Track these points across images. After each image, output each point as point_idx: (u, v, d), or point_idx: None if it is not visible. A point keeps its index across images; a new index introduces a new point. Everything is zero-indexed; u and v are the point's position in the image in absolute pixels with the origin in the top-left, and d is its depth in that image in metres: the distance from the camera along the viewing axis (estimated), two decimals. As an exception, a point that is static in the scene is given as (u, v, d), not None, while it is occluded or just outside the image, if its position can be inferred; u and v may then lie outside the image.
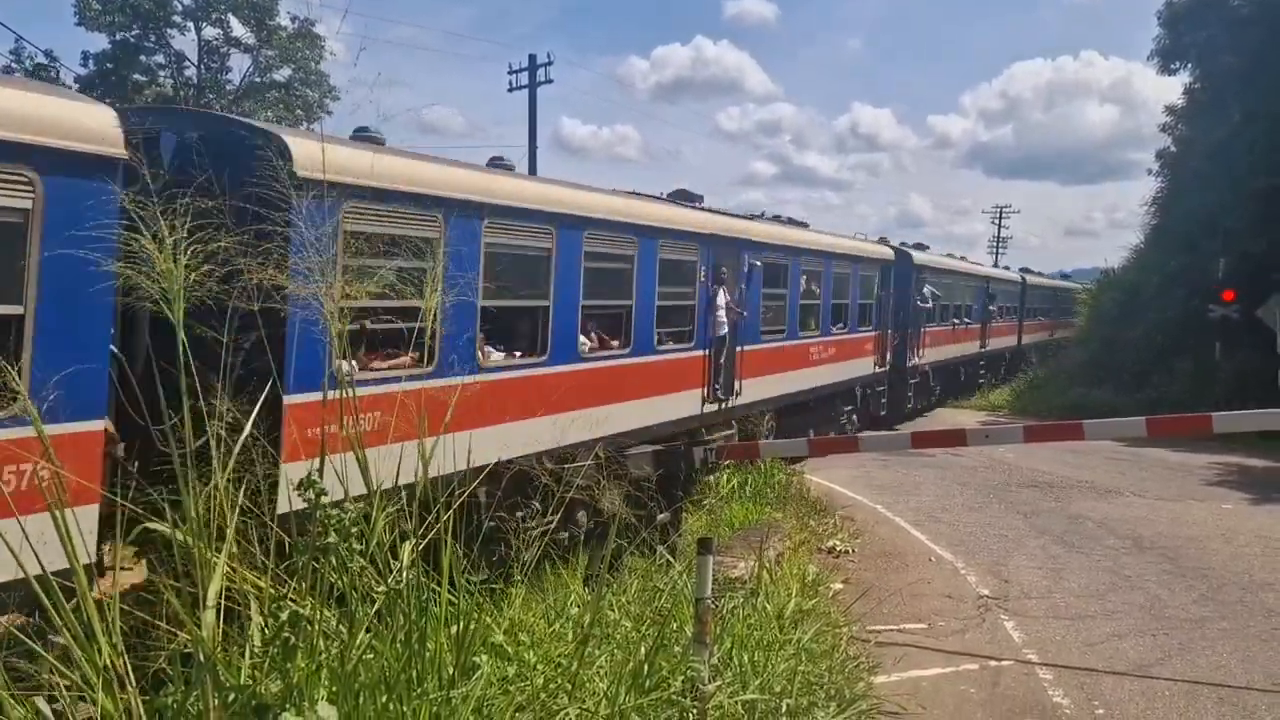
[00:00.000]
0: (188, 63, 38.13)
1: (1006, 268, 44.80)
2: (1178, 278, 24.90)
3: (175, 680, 3.36)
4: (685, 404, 11.51)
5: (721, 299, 12.10)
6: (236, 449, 3.55)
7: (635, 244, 10.25)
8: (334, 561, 3.44)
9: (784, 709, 5.33)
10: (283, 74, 39.24)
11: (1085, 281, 46.06)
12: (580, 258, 9.18)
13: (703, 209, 12.77)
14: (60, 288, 4.77)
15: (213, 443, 3.49)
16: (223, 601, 3.31)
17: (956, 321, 25.64)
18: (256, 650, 3.44)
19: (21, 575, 3.12)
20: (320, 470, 3.56)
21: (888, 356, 19.75)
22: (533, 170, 20.88)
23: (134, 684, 3.11)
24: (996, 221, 68.24)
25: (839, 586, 9.13)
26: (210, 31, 37.81)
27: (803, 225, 16.95)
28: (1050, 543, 11.24)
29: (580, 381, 9.19)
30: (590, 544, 8.15)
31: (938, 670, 7.21)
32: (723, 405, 12.40)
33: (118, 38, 36.51)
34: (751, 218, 15.16)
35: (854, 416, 18.48)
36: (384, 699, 3.58)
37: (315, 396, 5.87)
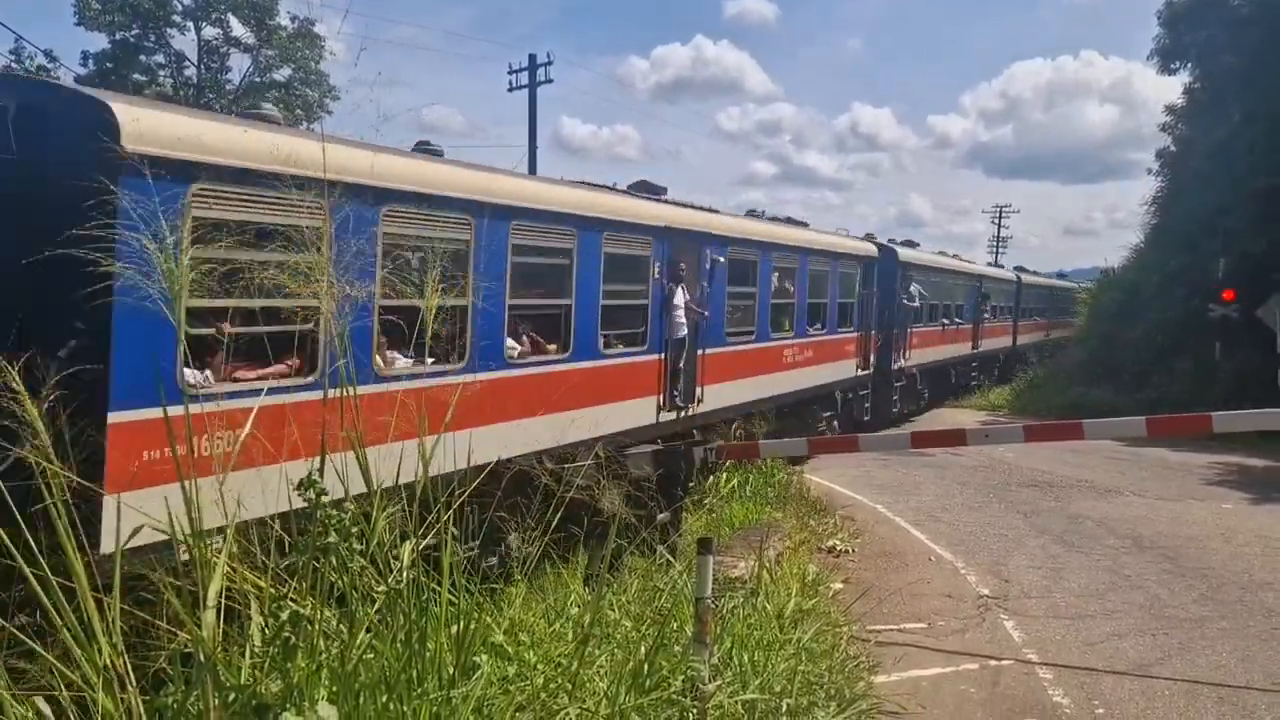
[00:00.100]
0: (187, 63, 38.22)
1: (1001, 266, 44.62)
2: (1178, 277, 24.91)
3: (175, 680, 3.36)
4: (637, 413, 10.54)
5: (680, 298, 11.24)
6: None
7: (574, 237, 9.23)
8: (334, 561, 3.43)
9: (784, 709, 5.33)
10: (283, 74, 39.31)
11: (1082, 281, 45.99)
12: (507, 250, 8.18)
13: (664, 200, 11.87)
14: None
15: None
16: (223, 601, 3.31)
17: (947, 322, 24.77)
18: (256, 650, 3.44)
19: None
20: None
21: (871, 359, 18.85)
22: (532, 171, 20.81)
23: (134, 684, 3.11)
24: (996, 221, 68.38)
25: (839, 586, 9.14)
26: (210, 31, 37.92)
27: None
28: (1050, 542, 11.24)
29: (507, 390, 8.23)
30: (590, 544, 8.01)
31: (938, 670, 7.21)
32: (682, 413, 11.50)
33: (117, 37, 36.56)
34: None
35: (834, 423, 17.54)
36: (384, 699, 3.58)
37: (150, 413, 5.14)
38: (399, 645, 3.75)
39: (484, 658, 4.05)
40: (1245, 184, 22.01)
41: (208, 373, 5.81)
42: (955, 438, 10.69)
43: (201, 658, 3.13)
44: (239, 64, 39.02)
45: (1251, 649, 7.76)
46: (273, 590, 3.51)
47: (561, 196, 9.25)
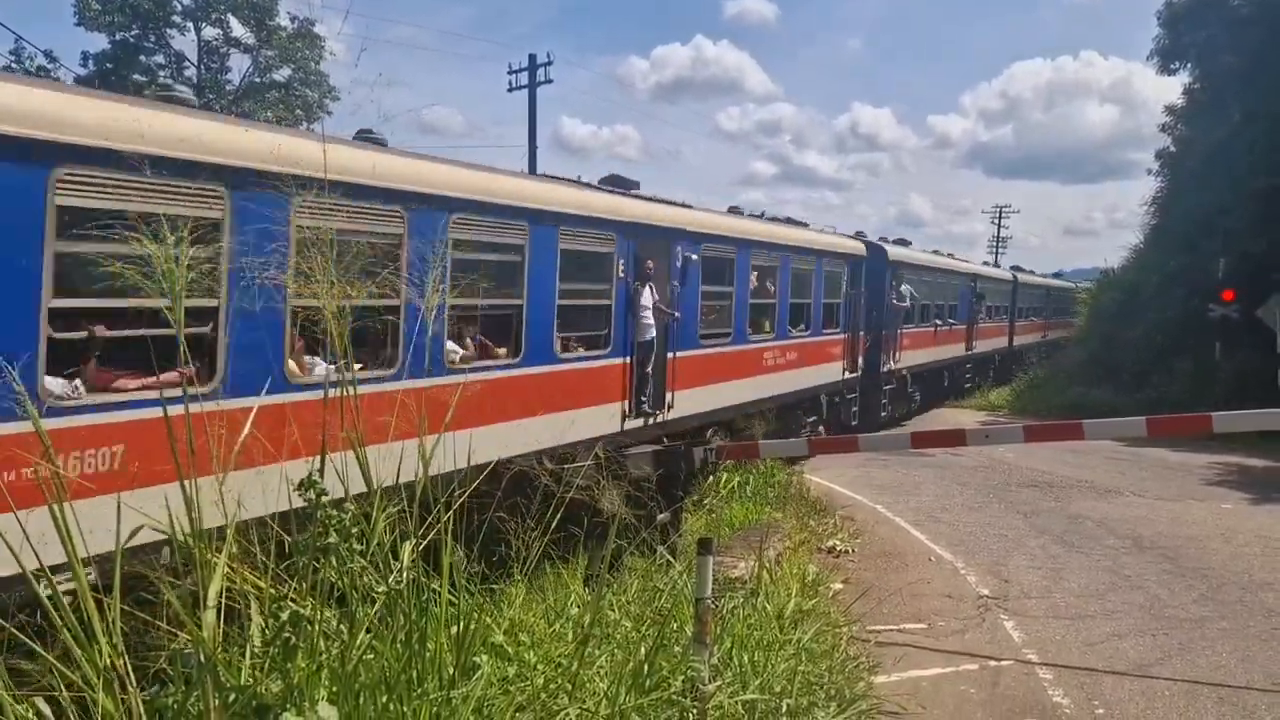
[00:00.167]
0: (187, 63, 38.19)
1: (997, 265, 44.43)
2: (1178, 278, 24.92)
3: (175, 680, 3.36)
4: (599, 421, 9.93)
5: (647, 298, 10.62)
6: None
7: (526, 232, 8.60)
8: (334, 562, 3.44)
9: (784, 709, 5.33)
10: (282, 74, 39.32)
11: (1080, 280, 45.94)
12: (446, 247, 7.48)
13: (632, 195, 11.28)
14: None
15: None
16: (223, 601, 3.31)
17: (940, 322, 24.17)
18: (256, 650, 3.44)
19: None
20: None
21: (859, 361, 18.34)
22: (532, 171, 20.75)
23: (134, 684, 3.11)
24: (996, 221, 68.47)
25: (839, 586, 9.14)
26: (210, 31, 37.92)
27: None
28: (1050, 542, 11.24)
29: (447, 398, 6.79)
30: (590, 544, 7.96)
31: (938, 670, 7.21)
32: (650, 420, 10.92)
33: (117, 38, 36.56)
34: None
35: (820, 428, 16.87)
36: (384, 699, 3.59)
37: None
38: (399, 646, 3.75)
39: (484, 658, 4.05)
40: (1245, 184, 22.03)
41: (78, 382, 5.32)
42: (955, 438, 10.68)
43: (201, 658, 3.13)
44: (239, 64, 39.13)
45: (1251, 649, 7.76)
46: (272, 590, 3.52)
47: (509, 188, 8.61)
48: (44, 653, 3.16)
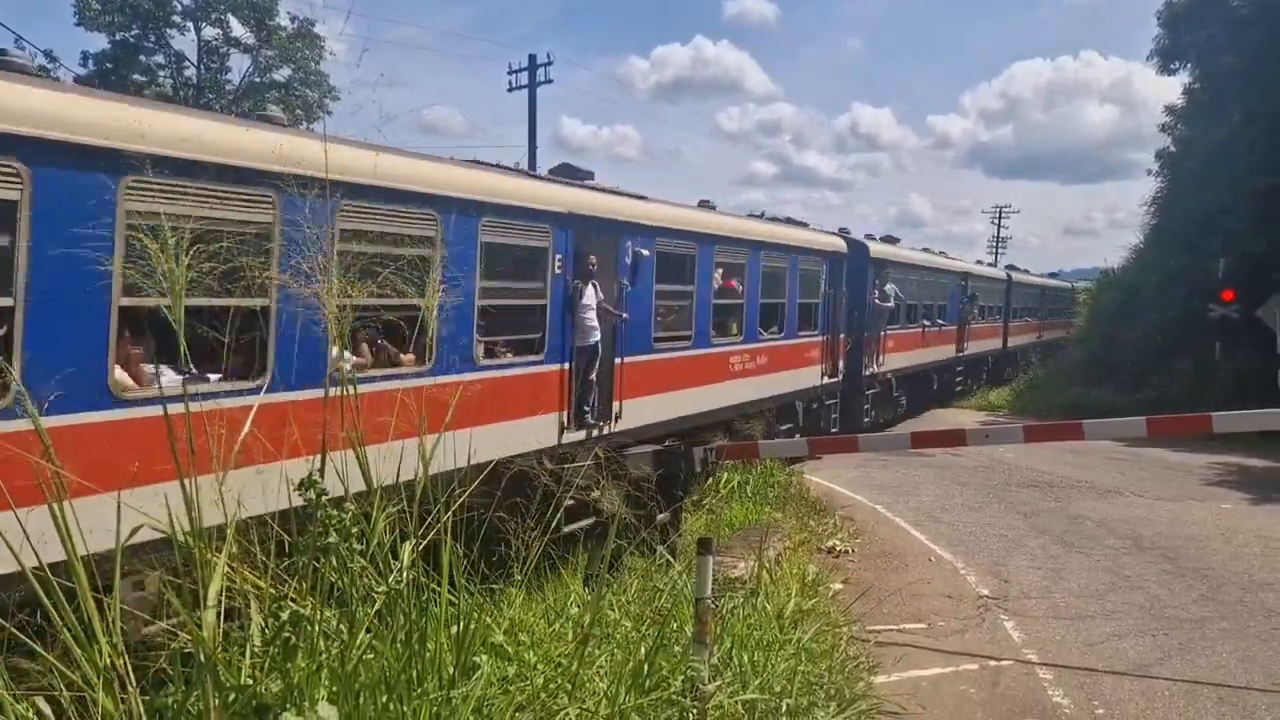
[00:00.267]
0: (187, 63, 38.20)
1: (996, 265, 44.13)
2: (1177, 278, 24.94)
3: (175, 680, 3.36)
4: (532, 434, 8.86)
5: (590, 297, 9.58)
6: None
7: (436, 222, 7.54)
8: (334, 561, 3.44)
9: (784, 709, 5.33)
10: (282, 74, 39.31)
11: (1078, 280, 45.88)
12: (333, 238, 6.14)
13: (575, 184, 10.18)
14: None
15: None
16: (223, 601, 3.31)
17: (928, 323, 22.84)
18: (256, 650, 3.44)
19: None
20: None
21: (839, 365, 17.20)
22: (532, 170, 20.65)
23: (134, 684, 3.11)
24: (996, 221, 68.42)
25: (839, 586, 9.14)
26: (210, 31, 37.88)
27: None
28: (1050, 543, 11.24)
29: (335, 413, 5.61)
30: (590, 544, 7.89)
31: (937, 670, 7.22)
32: (594, 432, 9.85)
33: (117, 38, 36.55)
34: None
35: (795, 435, 15.52)
36: (384, 699, 3.59)
37: None
38: (399, 645, 3.75)
39: (484, 658, 4.05)
40: (1245, 184, 22.04)
41: None
42: (955, 438, 10.69)
43: (201, 658, 3.13)
44: (239, 64, 39.10)
45: (1251, 649, 7.76)
46: (272, 590, 3.52)
47: (410, 172, 7.52)
48: (44, 653, 3.16)
